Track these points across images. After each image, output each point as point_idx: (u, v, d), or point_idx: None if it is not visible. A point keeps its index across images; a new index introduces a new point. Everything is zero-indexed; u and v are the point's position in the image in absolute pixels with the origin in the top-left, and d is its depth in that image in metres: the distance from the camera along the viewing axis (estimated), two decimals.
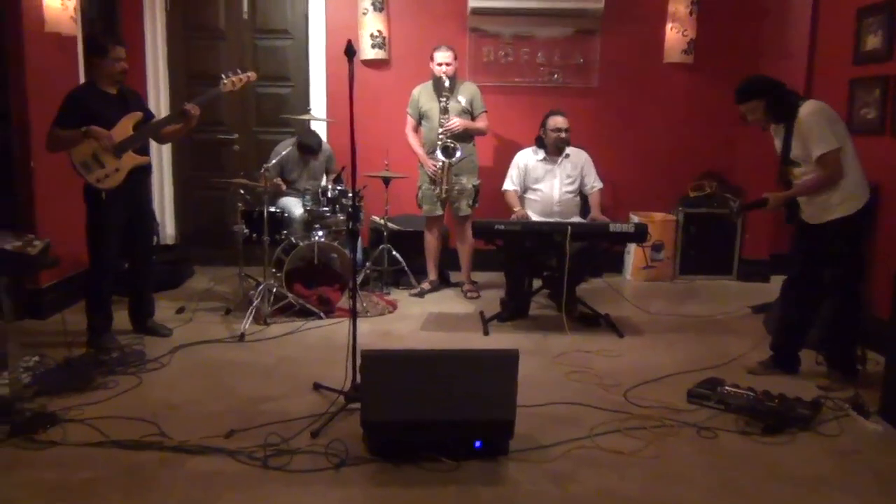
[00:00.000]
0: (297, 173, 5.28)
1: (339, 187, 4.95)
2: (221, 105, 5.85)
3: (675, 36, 5.84)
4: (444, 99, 5.00)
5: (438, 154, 5.01)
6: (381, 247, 5.31)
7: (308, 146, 5.19)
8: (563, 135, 4.84)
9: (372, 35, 5.78)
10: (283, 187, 5.15)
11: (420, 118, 5.21)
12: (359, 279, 5.16)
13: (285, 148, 5.16)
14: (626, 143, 6.00)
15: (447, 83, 4.97)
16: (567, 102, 5.56)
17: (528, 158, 4.96)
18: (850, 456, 2.93)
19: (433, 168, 5.09)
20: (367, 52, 5.80)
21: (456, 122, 5.00)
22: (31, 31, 4.44)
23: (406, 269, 5.35)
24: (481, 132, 5.22)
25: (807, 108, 3.45)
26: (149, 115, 4.18)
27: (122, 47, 3.95)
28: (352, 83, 3.19)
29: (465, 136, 5.11)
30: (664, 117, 6.01)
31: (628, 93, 5.96)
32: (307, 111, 5.33)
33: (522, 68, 5.90)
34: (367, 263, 5.36)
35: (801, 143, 3.48)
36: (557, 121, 4.86)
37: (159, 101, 5.84)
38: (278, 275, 4.79)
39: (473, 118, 5.16)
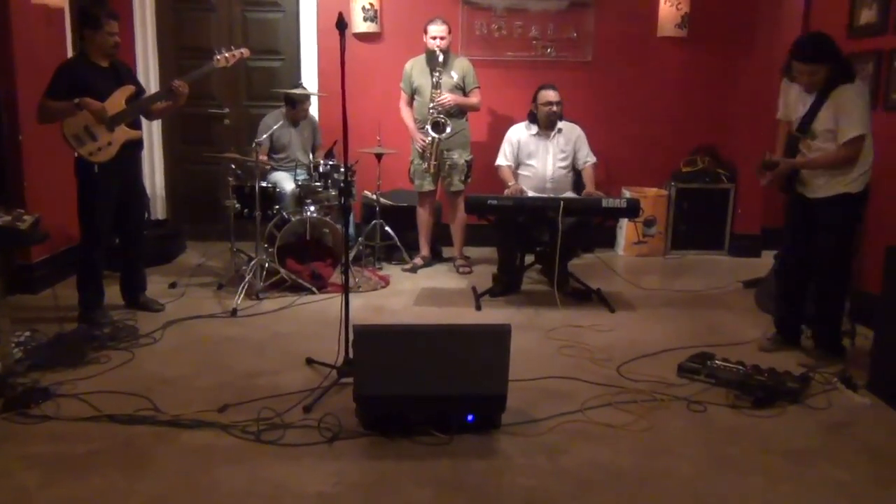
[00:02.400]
0: (287, 143, 5.25)
1: (330, 162, 4.93)
2: (212, 79, 5.79)
3: (669, 10, 5.80)
4: (437, 74, 4.97)
5: (428, 129, 4.99)
6: (373, 222, 5.30)
7: (295, 99, 5.15)
8: (554, 108, 4.82)
9: (364, 8, 5.72)
10: (269, 167, 5.12)
11: (413, 93, 5.17)
12: (351, 254, 5.15)
13: (275, 121, 5.12)
14: (619, 117, 5.98)
15: (441, 58, 4.93)
16: (561, 77, 5.54)
17: (520, 133, 4.94)
18: (840, 429, 2.97)
19: (422, 143, 5.07)
20: (359, 25, 5.74)
21: (447, 98, 4.97)
22: (18, 3, 4.37)
23: (398, 244, 5.35)
24: (474, 107, 5.19)
25: (854, 87, 3.36)
26: (140, 90, 4.14)
27: (116, 21, 3.91)
28: (343, 57, 3.16)
29: (457, 111, 5.08)
30: (658, 91, 5.99)
31: (622, 67, 5.93)
32: (298, 85, 5.30)
33: (515, 42, 5.85)
34: (360, 239, 5.35)
35: (832, 117, 3.37)
36: (548, 94, 4.83)
37: (148, 75, 5.77)
38: (270, 250, 4.78)
39: (466, 94, 5.13)
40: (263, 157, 5.08)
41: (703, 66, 5.93)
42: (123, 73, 4.05)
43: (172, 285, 4.74)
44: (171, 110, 4.20)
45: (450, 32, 5.03)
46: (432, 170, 5.07)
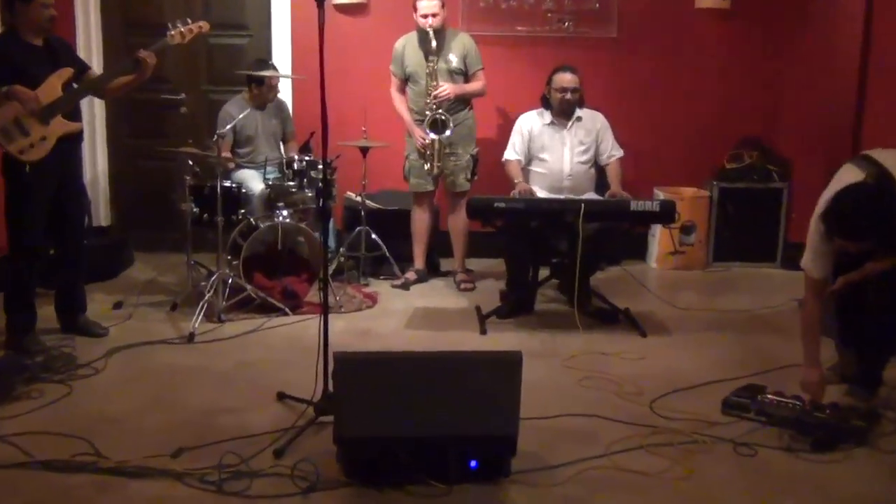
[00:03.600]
0: (253, 134, 5.26)
1: (306, 158, 4.93)
2: (166, 59, 5.77)
3: None
4: (432, 62, 4.98)
5: (426, 131, 5.01)
6: (357, 229, 5.30)
7: (260, 66, 5.18)
8: (568, 96, 4.83)
9: None
10: (232, 165, 5.14)
11: (405, 77, 5.19)
12: (331, 268, 5.14)
13: (239, 109, 5.12)
14: (650, 104, 6.00)
15: (434, 42, 4.94)
16: (580, 56, 5.55)
17: (532, 123, 4.95)
18: None
19: (422, 142, 5.08)
20: None
21: (446, 90, 4.98)
22: None
23: (388, 255, 5.34)
24: (478, 94, 5.20)
25: None
26: (83, 69, 4.15)
27: None
28: (322, 32, 3.16)
29: (461, 101, 5.10)
30: (696, 73, 6.00)
31: (653, 44, 5.95)
32: (264, 62, 5.30)
33: (526, 15, 5.87)
34: (341, 249, 5.34)
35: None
36: (564, 78, 4.85)
37: (91, 54, 5.77)
38: (235, 263, 4.77)
39: (468, 77, 5.14)
40: (226, 153, 5.08)
41: (749, 44, 5.95)
42: (61, 52, 4.05)
43: (117, 305, 4.73)
44: (132, 86, 4.20)
45: (443, 7, 5.03)
46: (435, 171, 5.10)
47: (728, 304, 5.03)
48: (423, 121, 5.05)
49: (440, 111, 4.98)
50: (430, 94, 5.00)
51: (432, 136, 5.01)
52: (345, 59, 5.71)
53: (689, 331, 4.51)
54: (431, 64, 4.98)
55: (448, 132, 5.00)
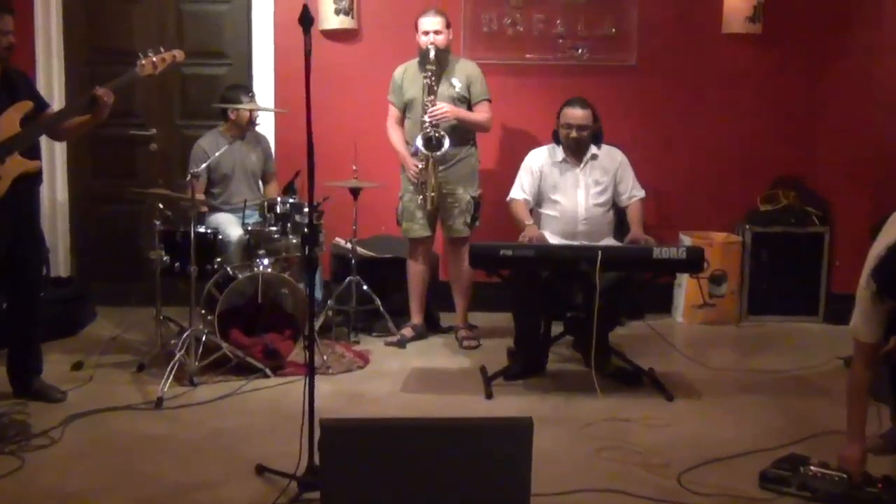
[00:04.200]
0: (229, 173, 5.30)
1: (290, 200, 4.95)
2: (135, 90, 5.85)
3: None
4: (429, 74, 5.02)
5: (418, 144, 5.02)
6: (347, 280, 5.29)
7: (234, 92, 5.25)
8: (573, 133, 4.85)
9: None
10: (206, 208, 5.16)
11: (404, 108, 5.23)
12: (317, 323, 5.13)
13: (215, 145, 5.16)
14: (673, 139, 6.04)
15: (432, 53, 5.00)
16: (595, 86, 5.60)
17: (542, 160, 4.97)
18: None
19: (414, 170, 5.10)
20: (330, 19, 5.83)
21: (445, 107, 5.02)
22: None
23: (381, 309, 5.33)
24: (482, 127, 5.24)
25: None
26: (41, 105, 4.18)
27: (10, 15, 3.97)
28: (308, 61, 3.19)
29: (461, 132, 5.13)
30: (724, 105, 6.05)
31: (676, 73, 6.00)
32: (249, 98, 5.35)
33: (536, 41, 5.94)
34: (329, 302, 5.34)
35: None
36: (572, 114, 4.86)
37: (52, 86, 5.83)
38: (209, 318, 4.76)
39: (471, 107, 5.19)
40: (200, 195, 5.10)
41: (783, 72, 6.00)
42: (19, 84, 4.08)
43: (77, 366, 4.71)
44: (87, 127, 4.23)
45: (448, 27, 5.11)
46: (430, 205, 5.09)
47: (764, 364, 5.01)
48: (416, 153, 5.08)
49: (434, 129, 5.00)
50: (425, 109, 5.02)
51: (424, 151, 5.00)
52: (333, 90, 5.76)
53: (721, 394, 4.49)
54: (428, 76, 5.02)
55: (444, 148, 4.99)
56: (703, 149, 6.06)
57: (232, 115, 5.27)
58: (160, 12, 5.97)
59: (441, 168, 5.06)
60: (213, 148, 5.14)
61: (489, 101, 5.21)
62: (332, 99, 5.72)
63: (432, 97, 5.02)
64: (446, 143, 5.00)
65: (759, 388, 4.58)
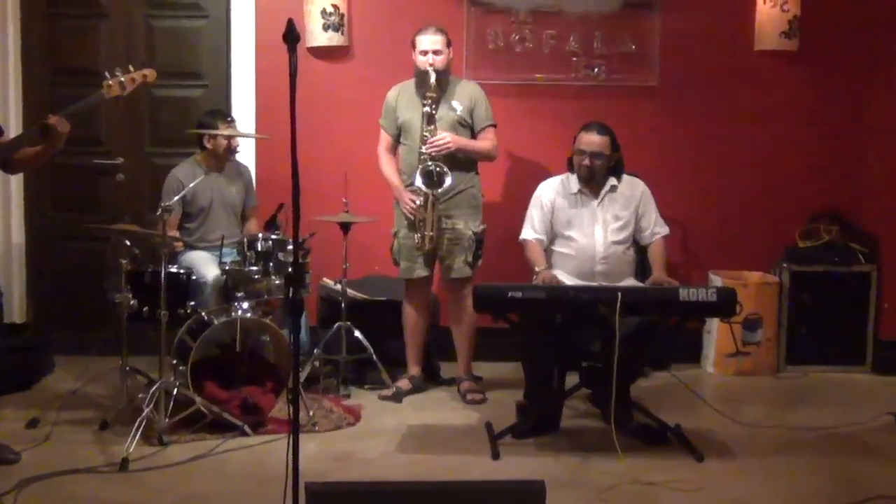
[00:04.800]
0: (206, 206, 5.32)
1: (273, 236, 4.95)
2: (100, 114, 5.89)
3: (771, 11, 5.93)
4: (429, 102, 5.05)
5: (418, 181, 5.03)
6: (336, 325, 5.29)
7: (213, 118, 5.27)
8: (585, 161, 4.86)
9: (324, 12, 5.86)
10: (181, 246, 5.17)
11: (398, 134, 5.26)
12: (303, 374, 5.12)
13: (191, 175, 5.18)
14: (701, 168, 6.06)
15: (433, 78, 5.03)
16: (613, 109, 5.64)
17: (555, 193, 4.98)
18: None
19: (411, 206, 5.11)
20: (318, 35, 5.87)
21: (446, 138, 5.04)
22: None
23: (374, 358, 5.32)
24: (487, 156, 5.26)
25: None
26: None
27: None
28: (294, 82, 3.21)
29: (462, 160, 5.15)
30: (757, 130, 6.07)
31: (703, 95, 6.03)
32: (227, 123, 5.37)
33: (547, 60, 5.98)
34: (316, 350, 5.32)
35: None
36: (587, 140, 4.87)
37: (7, 110, 5.86)
38: (181, 368, 4.75)
39: (475, 134, 5.22)
40: (174, 230, 5.11)
41: (822, 93, 6.03)
42: None
43: (32, 423, 4.68)
44: (42, 158, 4.25)
45: (449, 46, 5.15)
46: (427, 246, 5.09)
47: (806, 419, 4.98)
48: (413, 183, 5.09)
49: (434, 162, 5.01)
50: (424, 142, 5.05)
51: (423, 189, 5.00)
52: (322, 114, 5.80)
53: (757, 453, 4.46)
54: (428, 104, 5.04)
55: (446, 184, 5.00)
56: (735, 179, 6.08)
57: (208, 144, 5.30)
58: (129, 28, 6.02)
59: (441, 193, 5.07)
60: (188, 178, 5.16)
61: (494, 126, 5.23)
62: (321, 124, 5.76)
63: (432, 127, 5.03)
64: (448, 179, 5.00)
65: (800, 448, 4.56)
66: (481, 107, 5.21)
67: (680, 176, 5.95)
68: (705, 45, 6.00)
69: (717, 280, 5.82)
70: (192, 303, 4.84)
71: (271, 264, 4.90)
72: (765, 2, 5.93)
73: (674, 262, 5.07)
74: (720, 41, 6.01)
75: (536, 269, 4.83)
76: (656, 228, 4.98)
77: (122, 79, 4.26)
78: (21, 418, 4.73)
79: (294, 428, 3.24)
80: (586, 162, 4.87)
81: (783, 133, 6.07)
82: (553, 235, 4.98)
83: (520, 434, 4.60)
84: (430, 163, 5.00)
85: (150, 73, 4.37)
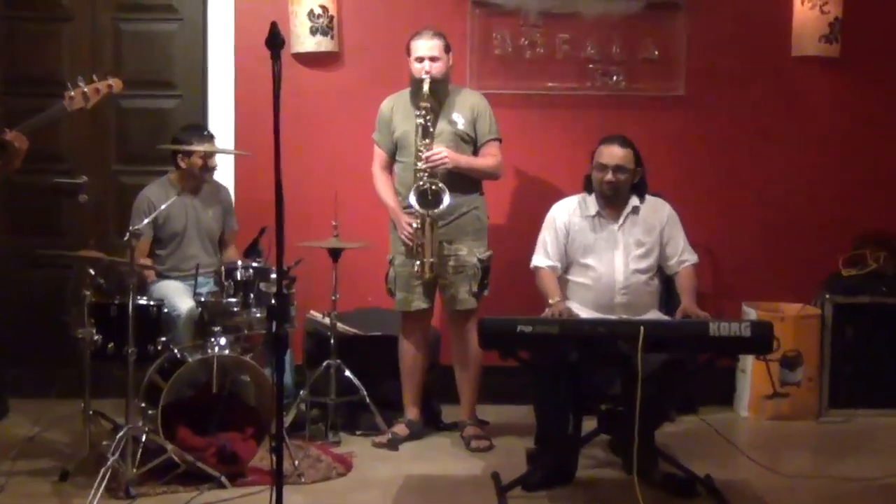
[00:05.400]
0: (181, 230, 5.33)
1: (254, 264, 4.96)
2: (61, 128, 5.90)
3: (810, 13, 5.95)
4: (423, 113, 5.05)
5: (412, 201, 5.03)
6: (325, 364, 5.28)
7: (188, 133, 5.30)
8: (608, 176, 4.86)
9: (312, 14, 5.89)
10: (153, 275, 5.17)
11: (394, 148, 5.27)
12: (287, 419, 5.10)
13: (164, 196, 5.18)
14: (733, 187, 6.07)
15: (426, 87, 5.03)
16: (635, 122, 5.66)
17: (570, 215, 4.98)
18: None
19: (408, 229, 5.11)
20: (304, 40, 5.90)
21: (442, 152, 5.04)
22: None
23: (368, 401, 5.31)
24: (490, 174, 5.27)
25: None
26: None
27: None
28: (278, 91, 3.22)
29: (465, 179, 5.16)
30: (795, 145, 6.09)
31: (734, 105, 6.06)
32: (204, 138, 5.38)
33: (560, 67, 6.00)
34: (302, 392, 5.31)
35: None
36: (609, 153, 4.86)
37: None
38: (151, 412, 4.73)
39: (477, 149, 5.23)
40: (144, 258, 5.11)
41: (867, 104, 6.06)
42: None
43: None
44: None
45: (448, 51, 5.16)
46: (427, 274, 5.09)
47: (851, 469, 4.97)
48: (408, 206, 5.09)
49: (431, 180, 5.01)
50: (419, 155, 5.04)
51: (419, 209, 5.00)
52: (309, 127, 5.83)
53: None
54: (422, 114, 5.04)
55: (444, 205, 5.00)
56: (770, 199, 6.09)
57: (182, 162, 5.30)
58: (94, 33, 6.05)
59: (440, 224, 5.08)
60: (160, 200, 5.15)
61: (499, 141, 5.25)
62: (307, 138, 5.77)
63: (427, 140, 5.04)
64: (446, 198, 5.00)
65: (844, 500, 4.55)
66: (485, 119, 5.22)
67: (709, 196, 5.96)
68: (737, 50, 6.03)
69: (751, 313, 5.82)
70: (164, 338, 4.83)
71: (252, 295, 4.91)
72: (803, 2, 5.95)
73: (703, 293, 5.06)
74: (753, 46, 6.04)
75: (550, 300, 4.82)
76: (684, 256, 4.97)
77: (86, 89, 4.27)
78: None
79: (277, 479, 3.23)
80: (609, 177, 4.86)
81: (824, 147, 6.09)
82: (568, 263, 4.98)
83: (531, 485, 4.58)
84: (424, 180, 5.02)
85: (116, 83, 4.38)
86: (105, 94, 4.33)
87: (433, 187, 5.01)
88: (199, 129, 5.48)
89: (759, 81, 6.05)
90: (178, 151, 5.27)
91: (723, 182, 6.05)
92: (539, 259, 5.00)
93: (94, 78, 4.32)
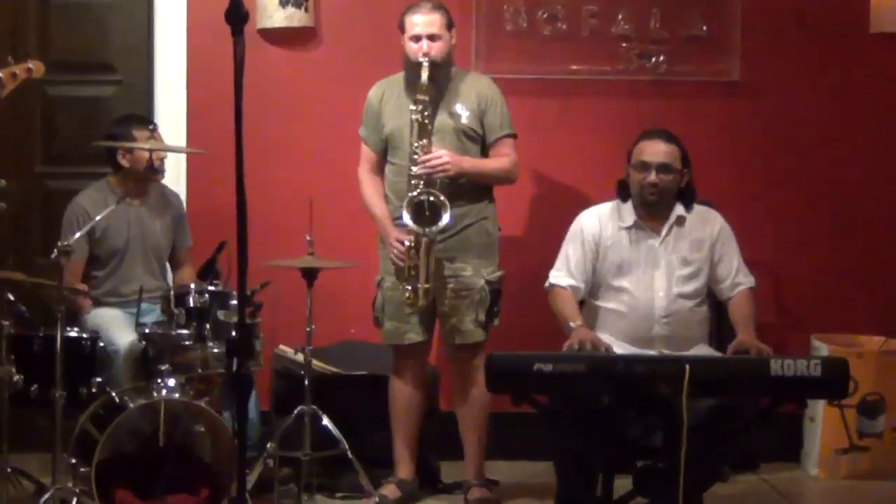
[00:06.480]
0: (122, 247, 5.35)
1: (210, 287, 4.96)
2: None
3: None
4: (420, 108, 5.04)
5: (405, 217, 5.00)
6: (298, 410, 5.27)
7: (127, 126, 5.31)
8: (651, 177, 4.84)
9: None
10: (89, 304, 5.18)
11: (384, 148, 5.27)
12: (251, 478, 5.09)
13: (101, 203, 5.17)
14: (799, 194, 6.08)
15: (425, 74, 5.03)
16: (678, 113, 5.68)
17: (601, 226, 4.98)
18: None
19: (397, 247, 5.09)
20: (273, 13, 5.90)
21: (443, 157, 5.02)
22: None
23: (350, 455, 5.29)
24: (503, 177, 5.26)
25: None
26: None
27: None
28: (240, 76, 3.22)
29: (471, 184, 5.16)
30: (875, 140, 6.11)
31: (800, 92, 6.07)
32: (149, 132, 5.38)
33: (586, 47, 6.02)
34: (269, 445, 5.30)
35: None
36: (652, 148, 4.86)
37: None
38: (83, 470, 4.73)
39: (487, 147, 5.24)
40: (77, 281, 5.11)
41: None
42: None
43: None
44: None
45: (450, 28, 5.15)
46: (422, 301, 5.08)
47: None
48: (399, 217, 5.06)
49: (429, 191, 4.99)
50: (414, 159, 5.02)
51: (414, 227, 4.97)
52: (279, 120, 5.84)
53: None
54: (418, 109, 5.02)
55: (443, 222, 4.99)
56: (846, 208, 6.11)
57: (123, 161, 5.30)
58: (14, 5, 6.05)
59: (439, 238, 5.06)
60: (97, 209, 5.13)
61: (514, 137, 5.24)
62: (277, 134, 5.78)
63: (425, 141, 5.02)
64: (446, 215, 4.96)
65: None
66: (495, 111, 5.21)
67: (770, 205, 5.98)
68: (804, 26, 6.04)
69: (822, 348, 5.81)
70: (99, 379, 4.82)
71: (208, 326, 4.91)
72: None
73: (763, 323, 5.04)
74: (823, 21, 6.05)
75: (570, 324, 4.80)
76: (739, 278, 4.96)
77: (0, 74, 4.27)
78: None
79: None
80: (651, 178, 4.84)
81: None
82: (597, 284, 4.98)
83: None
84: (421, 190, 5.01)
85: (36, 67, 4.39)
86: (23, 79, 4.34)
87: (431, 199, 4.98)
88: (142, 120, 5.45)
89: (831, 64, 6.07)
90: (114, 149, 5.26)
91: (787, 188, 6.06)
92: (557, 276, 4.98)
93: (10, 60, 4.32)
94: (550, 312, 4.96)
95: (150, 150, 5.28)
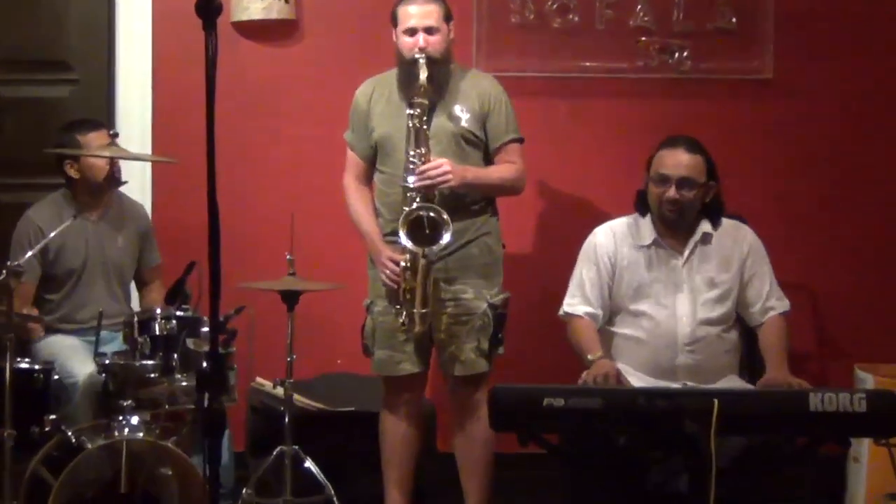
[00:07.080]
0: (80, 267, 5.35)
1: (179, 313, 4.95)
2: None
3: None
4: (418, 112, 5.02)
5: (402, 236, 4.99)
6: (276, 450, 5.26)
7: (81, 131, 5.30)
8: (670, 192, 4.83)
9: None
10: (41, 331, 5.18)
11: (373, 155, 5.28)
12: None
13: (55, 218, 5.18)
14: (841, 207, 6.09)
15: (423, 73, 5.04)
16: (704, 115, 5.70)
17: (618, 244, 4.98)
18: None
19: (389, 267, 5.08)
20: (249, 5, 5.92)
21: (443, 167, 5.01)
22: None
23: (335, 501, 5.30)
24: (509, 188, 5.27)
25: None
26: None
27: None
28: (212, 75, 3.22)
29: (472, 196, 5.17)
30: None
31: (841, 94, 6.08)
32: (109, 138, 5.38)
33: (600, 42, 6.04)
34: (245, 491, 5.30)
35: None
36: (673, 160, 4.85)
37: None
38: None
39: (489, 154, 5.24)
40: (28, 305, 5.11)
41: None
42: None
43: None
44: None
45: (448, 20, 5.16)
46: (417, 327, 5.07)
47: None
48: (392, 233, 5.07)
49: (427, 206, 4.98)
50: (410, 169, 5.01)
51: (410, 247, 4.96)
52: (256, 123, 5.85)
53: None
54: (416, 112, 4.99)
55: (444, 241, 4.96)
56: (893, 223, 6.12)
57: (71, 172, 5.29)
58: None
59: (435, 253, 5.03)
60: (51, 224, 5.15)
61: (520, 142, 5.24)
62: (254, 139, 5.79)
63: (423, 149, 5.01)
64: (447, 234, 4.95)
65: None
66: (500, 113, 5.21)
67: (808, 220, 5.99)
68: (842, 18, 6.06)
69: (867, 380, 5.80)
70: (54, 416, 4.82)
71: (175, 357, 4.90)
72: None
73: (800, 353, 5.05)
74: (865, 12, 6.06)
75: (589, 356, 4.80)
76: (771, 302, 4.97)
77: None
78: None
79: None
80: (671, 193, 4.84)
81: None
82: (614, 309, 4.99)
83: None
84: (418, 205, 5.00)
85: None
86: None
87: (430, 215, 4.98)
88: (97, 125, 5.42)
89: (875, 60, 6.08)
90: (65, 157, 5.24)
91: (826, 201, 6.07)
92: (573, 304, 4.98)
93: None
94: (566, 343, 4.97)
95: (108, 160, 5.26)
